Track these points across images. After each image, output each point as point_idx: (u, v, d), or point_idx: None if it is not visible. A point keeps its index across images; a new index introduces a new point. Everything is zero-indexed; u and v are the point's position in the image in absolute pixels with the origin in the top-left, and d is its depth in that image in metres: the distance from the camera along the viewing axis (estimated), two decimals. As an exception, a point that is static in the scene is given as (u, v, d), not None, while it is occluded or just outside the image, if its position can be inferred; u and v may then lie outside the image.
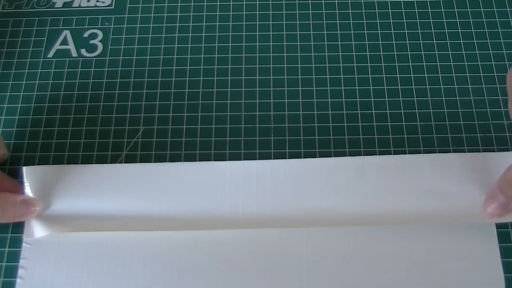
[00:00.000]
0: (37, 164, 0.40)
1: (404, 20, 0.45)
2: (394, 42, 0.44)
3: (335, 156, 0.39)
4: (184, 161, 0.40)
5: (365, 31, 0.44)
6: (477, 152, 0.39)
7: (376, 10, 0.45)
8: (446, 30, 0.44)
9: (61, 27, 0.46)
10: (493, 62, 0.43)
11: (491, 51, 0.43)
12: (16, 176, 0.39)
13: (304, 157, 0.39)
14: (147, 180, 0.38)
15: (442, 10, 0.45)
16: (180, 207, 0.38)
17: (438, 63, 0.43)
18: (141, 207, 0.38)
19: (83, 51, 0.44)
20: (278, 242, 0.36)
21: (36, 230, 0.37)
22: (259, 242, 0.36)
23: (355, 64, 0.43)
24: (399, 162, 0.38)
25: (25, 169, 0.38)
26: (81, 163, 0.40)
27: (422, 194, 0.37)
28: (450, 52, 0.43)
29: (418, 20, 0.45)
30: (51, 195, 0.38)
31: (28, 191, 0.38)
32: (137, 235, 0.37)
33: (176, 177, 0.38)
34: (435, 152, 0.39)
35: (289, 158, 0.39)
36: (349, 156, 0.39)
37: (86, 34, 0.45)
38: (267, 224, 0.37)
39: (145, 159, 0.40)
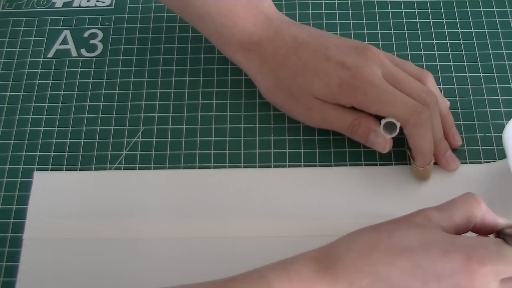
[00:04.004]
0: (37, 165, 0.40)
1: (404, 20, 0.45)
2: (394, 42, 0.44)
3: (335, 156, 0.39)
4: (184, 161, 0.40)
5: (365, 31, 0.44)
6: (477, 150, 0.39)
7: (376, 10, 0.45)
8: (446, 30, 0.44)
9: (61, 27, 0.46)
10: (493, 62, 0.43)
11: (491, 51, 0.43)
12: (17, 175, 0.39)
13: (304, 157, 0.39)
14: (152, 187, 0.38)
15: (442, 10, 0.45)
16: (182, 213, 0.38)
17: (438, 63, 0.43)
18: (145, 213, 0.38)
19: (83, 51, 0.44)
20: (279, 248, 0.36)
21: (36, 231, 0.37)
22: (259, 249, 0.36)
23: (355, 64, 0.43)
24: (395, 172, 0.38)
25: (35, 175, 0.39)
26: (81, 163, 0.40)
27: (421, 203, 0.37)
28: (450, 52, 0.43)
29: (418, 20, 0.45)
30: (57, 199, 0.38)
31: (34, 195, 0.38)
32: (138, 238, 0.37)
33: (179, 184, 0.39)
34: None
35: (289, 160, 0.39)
36: (349, 156, 0.39)
37: (86, 34, 0.45)
38: (268, 232, 0.37)
39: (145, 159, 0.40)
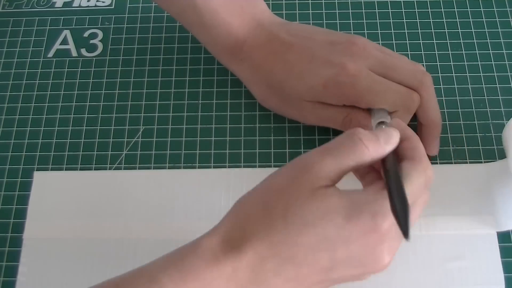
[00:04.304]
0: (37, 165, 0.40)
1: (404, 20, 0.45)
2: (394, 42, 0.44)
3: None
4: (184, 161, 0.40)
5: (365, 31, 0.44)
6: (477, 150, 0.39)
7: (376, 10, 0.45)
8: (446, 30, 0.44)
9: (61, 27, 0.46)
10: (493, 62, 0.43)
11: (491, 51, 0.43)
12: (17, 175, 0.39)
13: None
14: (152, 187, 0.38)
15: (442, 10, 0.45)
16: (183, 213, 0.38)
17: (438, 63, 0.43)
18: (145, 213, 0.38)
19: (83, 51, 0.44)
20: None
21: (36, 231, 0.37)
22: None
23: (355, 64, 0.43)
24: None
25: (35, 174, 0.39)
26: (81, 163, 0.40)
27: None
28: (450, 52, 0.43)
29: (418, 20, 0.45)
30: (57, 199, 0.38)
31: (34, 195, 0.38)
32: (138, 238, 0.37)
33: (179, 184, 0.39)
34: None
35: (289, 160, 0.39)
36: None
37: (86, 34, 0.45)
38: None
39: (145, 159, 0.40)
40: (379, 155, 0.28)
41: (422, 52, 0.43)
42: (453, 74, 0.42)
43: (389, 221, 0.26)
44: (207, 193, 0.38)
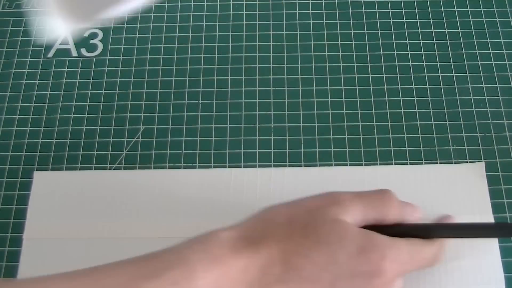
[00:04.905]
0: (37, 165, 0.40)
1: (404, 20, 0.45)
2: (394, 42, 0.44)
3: (335, 156, 0.39)
4: (184, 161, 0.40)
5: (365, 31, 0.44)
6: (477, 150, 0.39)
7: (376, 10, 0.45)
8: (446, 30, 0.44)
9: (61, 27, 0.46)
10: (493, 62, 0.43)
11: (491, 51, 0.43)
12: (17, 175, 0.39)
13: (304, 157, 0.39)
14: (152, 187, 0.38)
15: (442, 10, 0.45)
16: (183, 213, 0.38)
17: (438, 63, 0.43)
18: (145, 212, 0.38)
19: (83, 51, 0.44)
20: None
21: (36, 231, 0.37)
22: None
23: (355, 64, 0.43)
24: (398, 172, 0.38)
25: (35, 174, 0.39)
26: (81, 163, 0.40)
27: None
28: (450, 52, 0.43)
29: (418, 20, 0.45)
30: (57, 199, 0.38)
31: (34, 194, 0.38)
32: (138, 238, 0.37)
33: (179, 184, 0.39)
34: (435, 151, 0.39)
35: (289, 160, 0.39)
36: (349, 156, 0.39)
37: (86, 34, 0.45)
38: None
39: (145, 159, 0.40)
40: (401, 219, 0.31)
41: (422, 52, 0.43)
42: (453, 74, 0.42)
43: (394, 271, 0.28)
44: (207, 193, 0.38)
